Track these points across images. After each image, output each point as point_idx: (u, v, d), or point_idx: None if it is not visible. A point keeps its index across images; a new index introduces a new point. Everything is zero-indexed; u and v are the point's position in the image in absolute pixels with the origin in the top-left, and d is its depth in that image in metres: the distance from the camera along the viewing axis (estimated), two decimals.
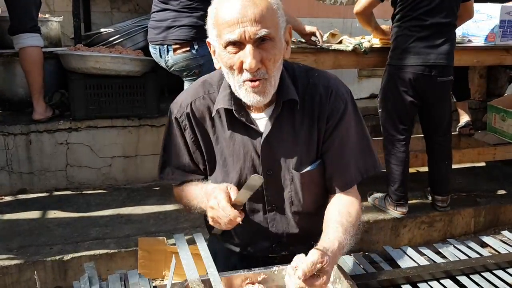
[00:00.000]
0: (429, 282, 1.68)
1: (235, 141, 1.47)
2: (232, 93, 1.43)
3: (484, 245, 2.06)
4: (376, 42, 3.33)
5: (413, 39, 2.99)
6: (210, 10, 1.37)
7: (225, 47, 1.33)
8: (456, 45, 3.17)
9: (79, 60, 3.37)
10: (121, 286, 1.43)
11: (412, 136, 3.27)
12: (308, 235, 1.52)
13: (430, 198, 3.44)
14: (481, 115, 4.63)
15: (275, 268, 1.40)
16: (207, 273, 1.32)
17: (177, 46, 2.87)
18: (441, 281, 1.69)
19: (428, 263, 1.84)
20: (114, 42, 3.86)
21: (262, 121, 1.46)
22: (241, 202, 1.36)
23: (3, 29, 3.67)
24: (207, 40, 1.43)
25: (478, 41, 3.55)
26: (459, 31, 3.61)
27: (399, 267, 1.82)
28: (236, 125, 1.47)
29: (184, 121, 1.50)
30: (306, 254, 1.25)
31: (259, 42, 1.31)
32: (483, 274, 1.74)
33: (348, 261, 1.84)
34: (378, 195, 3.39)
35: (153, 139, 3.63)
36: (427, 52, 2.98)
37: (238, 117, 1.44)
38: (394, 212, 3.26)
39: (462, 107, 4.28)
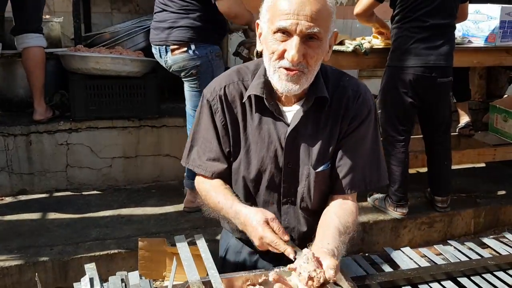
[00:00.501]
0: (430, 284, 1.68)
1: (261, 130, 1.50)
2: (265, 82, 1.46)
3: (484, 246, 2.06)
4: (377, 43, 3.33)
5: (413, 40, 3.00)
6: None
7: (274, 32, 1.35)
8: (456, 46, 3.18)
9: (79, 61, 3.37)
10: None
11: (412, 136, 3.28)
12: (311, 235, 1.53)
13: (429, 198, 3.44)
14: (481, 115, 4.63)
15: (276, 270, 1.39)
16: (207, 274, 1.32)
17: (175, 46, 2.91)
18: (442, 282, 1.69)
19: (429, 265, 1.84)
20: (114, 43, 3.86)
21: (290, 114, 1.49)
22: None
23: (4, 29, 3.67)
24: (257, 21, 1.45)
25: (478, 42, 3.55)
26: (459, 32, 3.62)
27: (400, 268, 1.82)
28: (265, 114, 1.49)
29: (216, 104, 1.51)
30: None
31: (307, 38, 1.34)
32: (484, 275, 1.74)
33: (348, 262, 1.83)
34: (378, 196, 3.39)
35: (153, 140, 3.63)
36: (427, 53, 2.98)
37: (267, 106, 1.46)
38: (394, 213, 3.26)
39: (462, 108, 4.28)
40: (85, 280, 1.45)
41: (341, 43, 3.23)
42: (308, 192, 1.52)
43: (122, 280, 1.47)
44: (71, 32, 4.20)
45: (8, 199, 3.35)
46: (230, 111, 1.52)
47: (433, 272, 1.71)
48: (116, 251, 2.75)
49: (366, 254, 2.00)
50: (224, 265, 1.73)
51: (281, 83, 1.39)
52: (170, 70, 3.04)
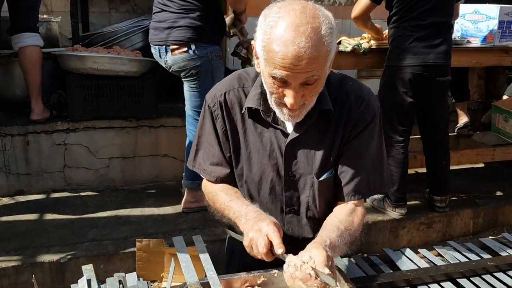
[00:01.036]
0: (429, 285, 1.68)
1: (263, 137, 1.49)
2: (262, 93, 1.45)
3: (484, 247, 2.06)
4: (374, 43, 3.32)
5: (412, 39, 2.99)
6: (265, 23, 1.29)
7: (271, 76, 1.30)
8: (455, 46, 3.18)
9: (77, 60, 3.35)
10: None
11: (410, 137, 3.27)
12: None
13: (428, 198, 3.44)
14: (479, 116, 4.64)
15: (274, 271, 1.39)
16: (205, 276, 1.31)
17: (175, 47, 2.89)
18: (442, 283, 1.69)
19: (429, 266, 1.83)
20: (112, 43, 3.85)
21: (289, 123, 1.47)
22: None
23: (1, 29, 3.66)
24: (252, 42, 1.39)
25: (477, 42, 3.55)
26: (458, 32, 3.62)
27: (399, 269, 1.82)
28: (265, 123, 1.49)
29: (217, 110, 1.51)
30: None
31: (305, 82, 1.30)
32: (483, 276, 1.74)
33: (348, 264, 1.83)
34: (377, 196, 3.38)
35: (151, 140, 3.62)
36: (426, 52, 2.98)
37: (265, 118, 1.46)
38: (393, 213, 3.26)
39: (461, 108, 4.28)
40: (82, 282, 1.44)
41: (340, 43, 3.23)
42: (313, 201, 1.52)
43: (120, 282, 1.46)
44: (69, 31, 4.18)
45: (5, 200, 3.33)
46: (230, 118, 1.52)
47: (433, 273, 1.71)
48: (113, 252, 2.73)
49: (366, 255, 2.00)
50: (229, 265, 1.73)
51: (283, 117, 1.39)
52: (170, 70, 3.01)
